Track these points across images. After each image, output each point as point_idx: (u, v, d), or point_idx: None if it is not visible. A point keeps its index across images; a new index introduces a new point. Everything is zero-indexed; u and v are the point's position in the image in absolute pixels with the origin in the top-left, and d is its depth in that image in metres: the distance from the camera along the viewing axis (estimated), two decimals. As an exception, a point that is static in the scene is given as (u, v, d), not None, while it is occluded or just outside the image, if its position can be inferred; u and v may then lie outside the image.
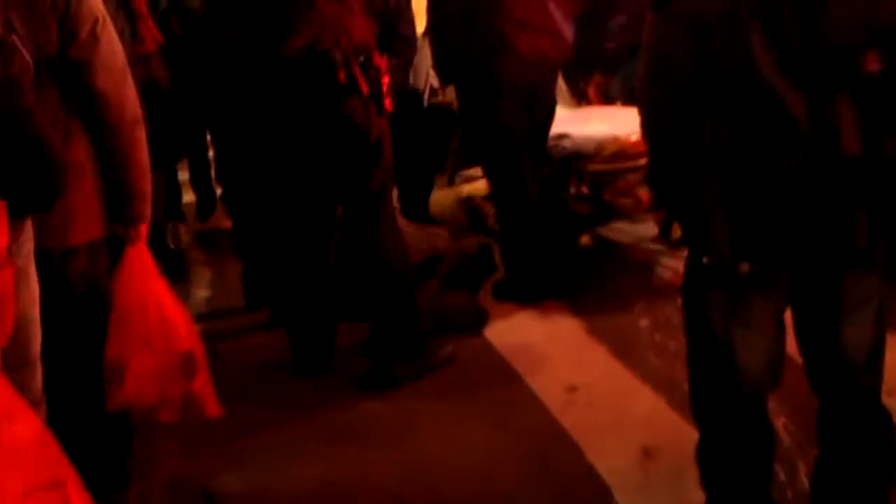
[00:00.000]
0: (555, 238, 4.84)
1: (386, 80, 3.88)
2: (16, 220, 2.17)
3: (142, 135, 2.73)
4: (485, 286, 4.92)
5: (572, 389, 3.84)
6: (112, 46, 2.64)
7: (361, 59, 3.77)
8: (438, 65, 4.90)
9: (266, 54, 3.74)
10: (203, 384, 2.80)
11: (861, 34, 2.05)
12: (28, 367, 2.21)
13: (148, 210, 2.77)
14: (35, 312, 2.36)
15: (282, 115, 3.84)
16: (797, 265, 2.27)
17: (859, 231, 2.14)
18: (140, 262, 2.73)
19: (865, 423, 2.39)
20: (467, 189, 6.02)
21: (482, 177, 5.61)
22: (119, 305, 2.69)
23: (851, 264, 2.25)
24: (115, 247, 2.76)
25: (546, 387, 3.88)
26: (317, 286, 4.12)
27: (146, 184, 2.75)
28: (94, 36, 2.58)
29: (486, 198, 5.50)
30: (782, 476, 2.72)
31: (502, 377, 4.05)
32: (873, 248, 2.22)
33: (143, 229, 2.76)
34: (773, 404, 2.46)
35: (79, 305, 2.59)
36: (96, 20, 2.59)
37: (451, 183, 6.09)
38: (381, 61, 3.86)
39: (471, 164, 5.85)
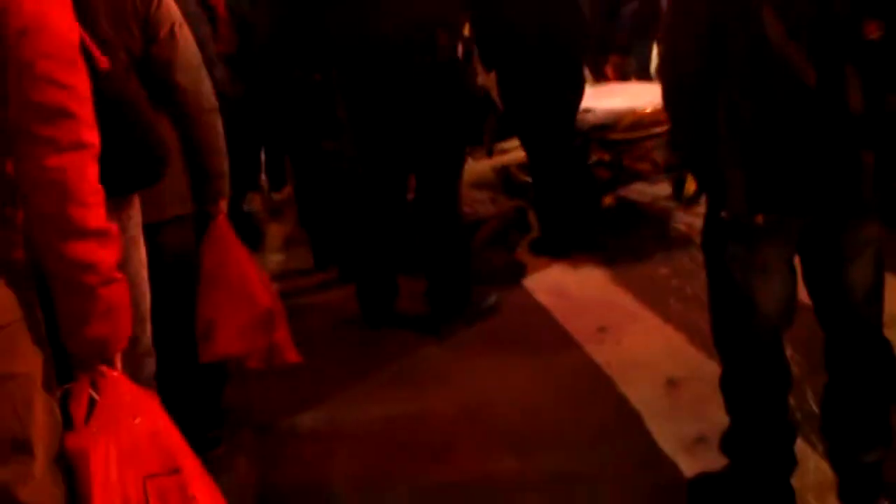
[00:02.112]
0: (582, 199, 4.80)
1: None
2: (124, 197, 2.17)
3: (217, 122, 2.72)
4: (521, 244, 4.90)
5: (602, 330, 3.82)
6: (188, 45, 2.62)
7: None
8: (483, 53, 4.80)
9: (361, 34, 3.73)
10: (283, 336, 2.81)
11: (862, 5, 2.01)
12: (140, 323, 2.21)
13: (226, 187, 2.77)
14: (144, 274, 2.36)
15: (373, 92, 3.81)
16: (807, 216, 2.23)
17: (864, 182, 2.11)
18: (223, 232, 2.74)
19: (868, 351, 2.36)
20: (503, 160, 5.98)
21: (515, 149, 5.60)
22: (206, 271, 2.70)
23: (856, 213, 2.21)
24: (200, 221, 2.76)
25: (579, 328, 3.87)
26: (384, 245, 4.10)
27: (223, 165, 2.74)
28: (172, 36, 2.57)
29: (519, 167, 5.46)
30: (791, 401, 2.68)
31: (541, 321, 4.04)
32: (874, 199, 2.18)
33: (223, 204, 2.76)
34: (785, 341, 2.42)
35: (171, 272, 2.59)
36: (173, 23, 2.58)
37: (489, 155, 6.06)
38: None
39: (505, 138, 5.83)
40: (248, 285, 2.71)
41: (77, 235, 1.65)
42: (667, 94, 2.30)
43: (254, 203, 5.93)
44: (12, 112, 1.59)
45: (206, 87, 2.69)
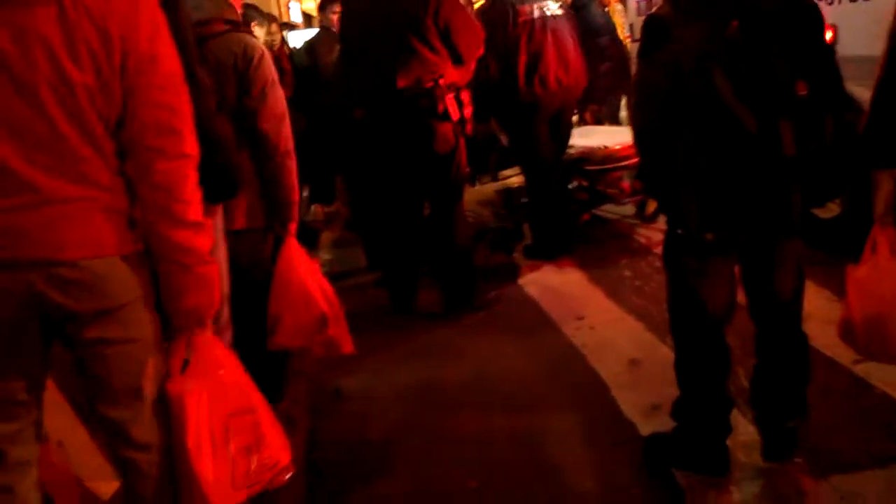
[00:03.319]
0: (565, 215, 4.76)
1: (468, 110, 3.79)
2: (213, 205, 2.16)
3: (290, 163, 2.64)
4: (517, 249, 4.87)
5: (580, 318, 3.78)
6: (276, 100, 2.57)
7: (453, 94, 3.68)
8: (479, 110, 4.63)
9: (383, 88, 3.65)
10: (339, 332, 2.69)
11: (792, 71, 1.99)
12: (221, 304, 2.19)
13: (295, 215, 2.69)
14: (225, 267, 2.37)
15: (392, 133, 3.75)
16: (746, 234, 2.20)
17: (794, 209, 2.08)
18: (292, 249, 2.65)
19: (789, 341, 2.33)
20: (504, 184, 5.97)
21: (512, 176, 5.57)
22: (277, 277, 2.63)
23: (785, 232, 2.18)
24: (277, 237, 2.70)
25: (561, 317, 3.83)
26: (408, 253, 4.07)
27: (293, 196, 2.67)
28: (263, 93, 2.53)
29: (517, 189, 5.43)
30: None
31: (531, 310, 3.99)
32: (799, 220, 2.14)
33: (292, 227, 2.68)
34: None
35: (244, 274, 2.57)
36: (266, 82, 2.54)
37: (494, 179, 6.05)
38: (466, 96, 3.77)
39: (505, 168, 5.81)
40: (309, 292, 2.61)
41: (180, 225, 1.66)
42: (636, 135, 2.26)
43: (314, 213, 5.94)
44: (133, 129, 1.60)
45: (285, 133, 2.61)
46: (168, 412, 1.72)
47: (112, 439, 1.74)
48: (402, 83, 3.61)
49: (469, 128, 3.85)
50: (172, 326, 1.73)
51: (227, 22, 2.54)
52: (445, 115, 3.68)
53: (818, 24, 2.08)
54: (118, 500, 1.87)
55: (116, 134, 1.60)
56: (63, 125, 1.54)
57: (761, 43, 1.98)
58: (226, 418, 1.73)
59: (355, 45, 3.84)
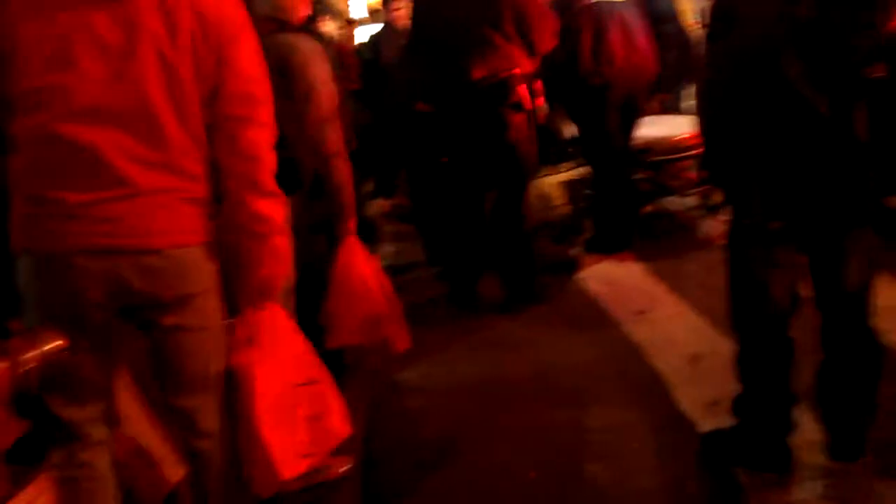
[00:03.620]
0: (629, 208, 4.67)
1: (540, 100, 3.79)
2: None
3: (339, 163, 2.58)
4: (578, 242, 4.81)
5: (640, 313, 3.73)
6: (320, 105, 2.49)
7: (525, 84, 3.69)
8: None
9: (457, 79, 3.66)
10: (396, 330, 2.68)
11: (869, 51, 1.91)
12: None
13: (348, 213, 2.63)
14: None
15: (464, 124, 3.75)
16: (814, 223, 2.14)
17: (867, 198, 2.03)
18: (350, 247, 2.63)
19: (857, 335, 2.26)
20: (566, 176, 5.89)
21: (573, 169, 5.48)
22: (336, 276, 2.62)
23: (856, 222, 2.11)
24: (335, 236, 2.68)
25: (621, 311, 3.78)
26: (471, 245, 4.06)
27: (344, 196, 2.61)
28: (307, 97, 2.47)
29: (580, 181, 5.36)
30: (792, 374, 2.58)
31: (592, 305, 3.95)
32: (870, 210, 2.09)
33: (350, 224, 2.63)
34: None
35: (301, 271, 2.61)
36: (311, 85, 2.47)
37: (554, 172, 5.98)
38: (538, 86, 3.77)
39: (565, 161, 5.72)
40: (366, 290, 2.61)
41: (259, 192, 1.72)
42: (703, 122, 2.22)
43: (375, 207, 5.98)
44: (223, 100, 1.67)
45: (332, 136, 2.54)
46: (234, 386, 1.77)
47: (181, 428, 1.82)
48: (477, 74, 3.62)
49: (542, 117, 3.82)
50: (242, 299, 1.78)
51: (275, 21, 2.52)
52: (519, 105, 3.69)
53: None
54: (185, 485, 1.93)
55: (208, 109, 1.66)
56: (165, 113, 1.61)
57: (836, 21, 1.91)
58: (292, 388, 1.79)
59: (427, 36, 3.85)
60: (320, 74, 2.52)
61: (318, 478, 2.39)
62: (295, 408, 1.80)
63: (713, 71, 2.16)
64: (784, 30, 1.92)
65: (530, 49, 3.70)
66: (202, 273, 1.72)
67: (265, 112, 1.72)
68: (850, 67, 1.92)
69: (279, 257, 1.78)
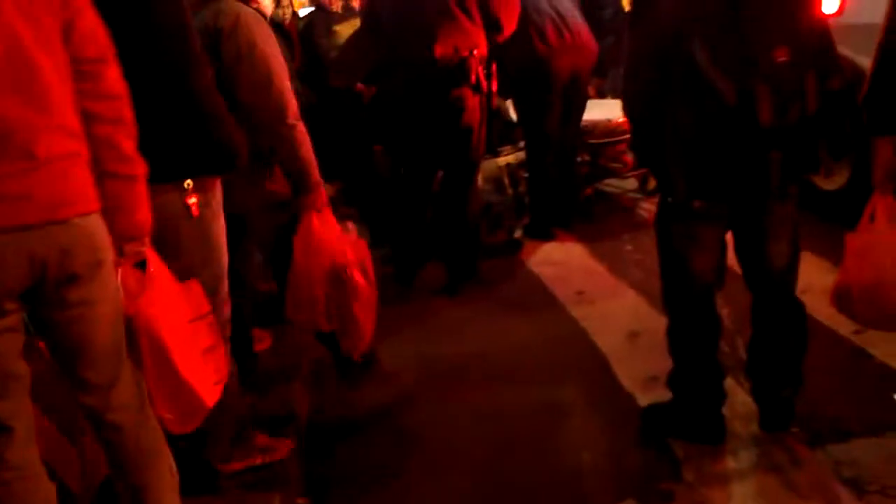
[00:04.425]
0: (566, 191, 4.73)
1: (494, 84, 3.80)
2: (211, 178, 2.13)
3: (288, 132, 2.43)
4: (519, 226, 4.86)
5: (580, 293, 3.80)
6: (254, 67, 2.36)
7: (482, 66, 3.69)
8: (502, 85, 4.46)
9: (417, 57, 3.64)
10: (353, 326, 2.70)
11: (773, 37, 2.00)
12: (221, 278, 2.17)
13: (310, 185, 2.51)
14: (223, 239, 2.18)
15: (419, 104, 3.73)
16: (731, 201, 2.22)
17: (773, 175, 2.10)
18: (310, 225, 2.55)
19: (783, 310, 2.35)
20: (506, 160, 5.93)
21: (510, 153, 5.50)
22: (295, 254, 2.57)
23: (770, 199, 2.20)
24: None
25: (562, 291, 3.85)
26: (419, 226, 4.07)
27: (300, 166, 2.48)
28: (237, 61, 2.35)
29: (518, 165, 5.40)
30: (726, 349, 2.67)
31: (532, 286, 4.02)
32: (785, 188, 2.17)
33: (310, 200, 2.52)
34: (719, 301, 2.40)
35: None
36: (241, 49, 2.35)
37: (495, 155, 6.00)
38: (494, 68, 3.78)
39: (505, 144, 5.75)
40: (318, 276, 2.56)
41: (128, 133, 1.69)
42: (626, 105, 2.28)
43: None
44: (76, 42, 1.61)
45: (276, 103, 2.39)
46: (136, 333, 1.74)
47: (93, 409, 1.72)
48: (439, 51, 3.61)
49: (494, 101, 3.83)
50: (121, 245, 1.72)
51: None
52: (477, 87, 3.69)
53: None
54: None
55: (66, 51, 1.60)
56: (46, 69, 1.55)
57: (741, 9, 1.99)
58: (188, 323, 1.81)
59: (389, 13, 3.80)
60: (253, 38, 2.37)
61: (260, 459, 2.37)
62: (195, 341, 1.82)
63: (633, 56, 2.21)
64: (693, 18, 2.00)
65: (497, 28, 3.71)
66: (105, 239, 1.66)
67: (113, 50, 1.68)
68: (751, 53, 1.99)
69: (145, 201, 1.74)
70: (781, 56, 1.98)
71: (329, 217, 2.59)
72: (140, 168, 1.72)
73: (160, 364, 1.75)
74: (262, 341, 3.21)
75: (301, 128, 2.47)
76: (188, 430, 1.85)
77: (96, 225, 1.65)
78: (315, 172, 2.53)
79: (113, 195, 1.69)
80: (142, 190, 1.73)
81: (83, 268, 1.61)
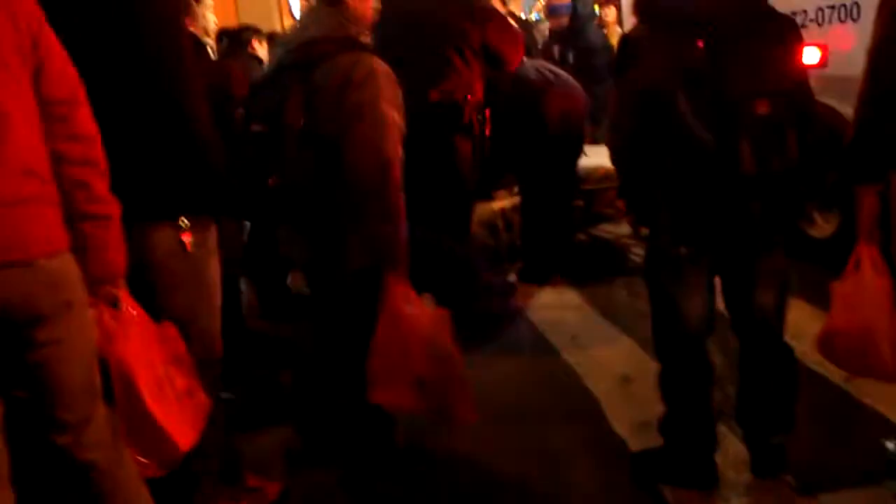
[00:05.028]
0: (561, 235, 4.76)
1: (488, 128, 3.84)
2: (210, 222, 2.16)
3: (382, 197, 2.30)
4: (512, 269, 4.89)
5: (574, 337, 3.82)
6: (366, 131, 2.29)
7: (476, 112, 3.74)
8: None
9: (417, 97, 3.68)
10: (451, 399, 2.44)
11: (753, 89, 2.04)
12: (214, 316, 2.18)
13: (394, 255, 2.33)
14: (217, 278, 2.17)
15: (417, 140, 3.76)
16: (717, 249, 2.25)
17: (755, 226, 2.15)
18: (396, 297, 2.31)
19: (772, 355, 2.36)
20: (500, 204, 5.98)
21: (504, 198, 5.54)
22: (380, 330, 2.31)
23: (755, 247, 2.23)
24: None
25: (555, 335, 3.86)
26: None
27: (383, 231, 2.34)
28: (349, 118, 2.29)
29: (513, 209, 5.44)
30: (717, 395, 2.67)
31: (526, 328, 4.03)
32: (770, 237, 2.20)
33: (397, 270, 2.30)
34: (712, 346, 2.42)
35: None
36: (361, 105, 2.29)
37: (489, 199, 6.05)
38: (487, 114, 3.82)
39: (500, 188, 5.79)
40: (408, 350, 2.29)
41: (100, 173, 1.70)
42: (612, 153, 2.33)
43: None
44: (46, 84, 1.63)
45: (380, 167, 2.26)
46: (111, 374, 1.74)
47: (67, 448, 1.69)
48: (435, 96, 3.65)
49: (487, 147, 3.87)
50: (95, 287, 1.73)
51: (335, 41, 2.32)
52: (470, 130, 3.73)
53: (789, 38, 2.12)
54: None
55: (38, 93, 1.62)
56: (11, 110, 1.56)
57: (723, 62, 2.04)
58: (163, 365, 1.82)
59: (384, 58, 3.84)
60: (378, 94, 2.28)
61: (246, 502, 2.36)
62: (171, 384, 1.83)
63: (617, 106, 2.27)
64: (676, 71, 2.05)
65: (502, 63, 3.78)
66: (75, 278, 1.66)
67: (83, 91, 1.70)
68: (732, 105, 2.04)
69: (121, 243, 1.76)
70: (762, 108, 2.03)
71: (412, 292, 2.34)
72: (113, 209, 1.73)
73: (133, 407, 1.75)
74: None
75: (401, 201, 2.31)
76: (161, 474, 1.83)
77: (63, 265, 1.64)
78: (404, 248, 2.33)
79: (85, 236, 1.70)
80: (115, 231, 1.73)
81: (49, 308, 1.60)
